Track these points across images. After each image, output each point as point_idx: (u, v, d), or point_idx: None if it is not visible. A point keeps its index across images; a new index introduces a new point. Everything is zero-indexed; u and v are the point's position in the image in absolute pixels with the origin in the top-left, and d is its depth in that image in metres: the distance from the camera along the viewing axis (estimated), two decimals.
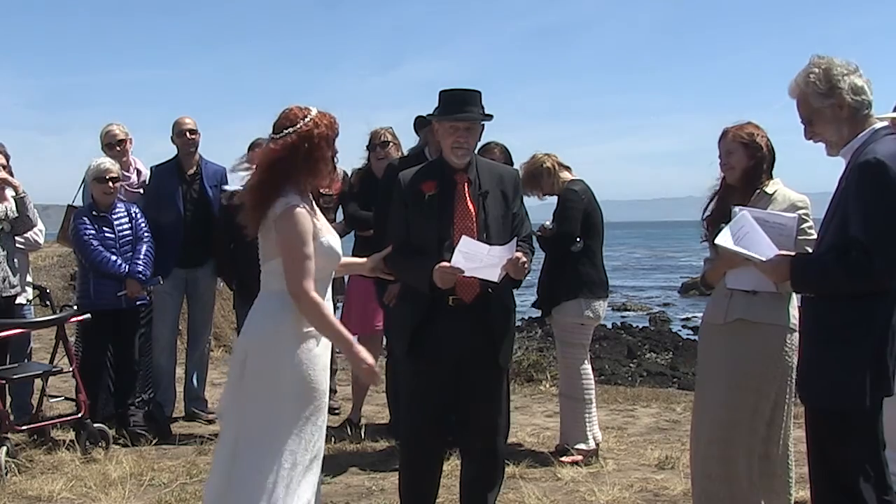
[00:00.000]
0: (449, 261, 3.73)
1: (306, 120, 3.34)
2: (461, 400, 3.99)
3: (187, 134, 6.49)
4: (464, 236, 3.79)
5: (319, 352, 3.41)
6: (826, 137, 3.14)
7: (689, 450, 4.10)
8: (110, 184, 5.99)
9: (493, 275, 3.76)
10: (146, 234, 6.12)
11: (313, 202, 3.52)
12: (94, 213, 6.02)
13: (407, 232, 3.93)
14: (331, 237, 3.48)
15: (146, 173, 6.65)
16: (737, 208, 3.59)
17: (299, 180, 3.36)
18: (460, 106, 3.91)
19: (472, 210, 3.89)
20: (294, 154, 3.31)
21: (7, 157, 5.98)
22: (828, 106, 3.08)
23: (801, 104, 3.16)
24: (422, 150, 5.79)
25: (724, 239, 3.43)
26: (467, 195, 3.91)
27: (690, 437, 4.09)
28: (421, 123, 5.82)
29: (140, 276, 5.97)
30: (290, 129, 3.33)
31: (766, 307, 3.71)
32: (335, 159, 3.49)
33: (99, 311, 5.92)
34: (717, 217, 3.87)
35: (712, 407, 3.83)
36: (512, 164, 5.72)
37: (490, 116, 3.98)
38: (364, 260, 4.05)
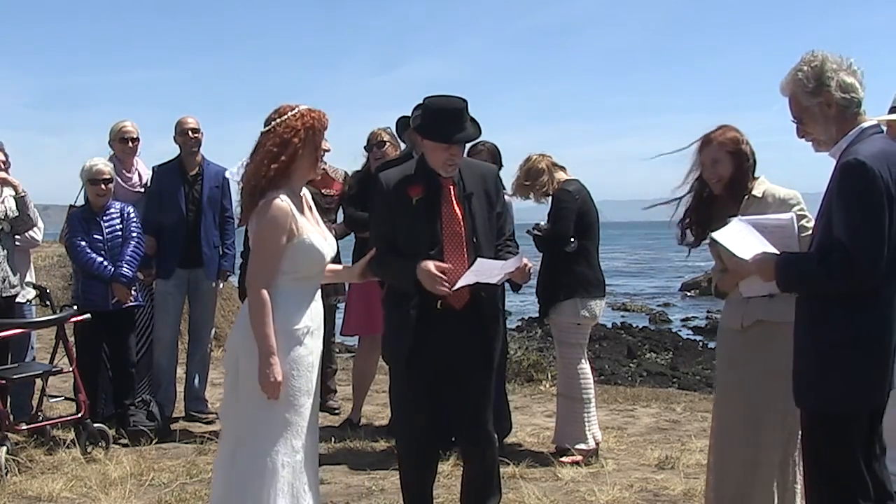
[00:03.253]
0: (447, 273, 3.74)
1: (291, 113, 3.41)
2: (452, 401, 4.00)
3: (189, 133, 6.48)
4: (479, 258, 3.80)
5: (303, 353, 3.43)
6: (815, 136, 3.13)
7: (710, 455, 4.02)
8: (103, 185, 6.01)
9: (493, 279, 3.77)
10: (133, 234, 6.08)
11: (305, 200, 3.53)
12: (85, 214, 6.04)
13: (392, 234, 3.88)
14: (316, 237, 3.47)
15: (147, 174, 6.64)
16: (733, 219, 3.57)
17: (288, 173, 3.40)
18: (453, 125, 3.81)
19: (459, 214, 3.87)
20: (281, 146, 3.37)
21: (6, 155, 5.99)
22: (816, 104, 3.07)
23: (791, 102, 3.14)
24: (410, 151, 5.75)
25: (723, 236, 3.41)
26: (454, 199, 3.88)
27: (712, 442, 4.01)
28: (404, 125, 5.77)
29: (123, 277, 5.96)
30: (278, 120, 3.40)
31: (784, 306, 3.67)
32: (322, 154, 3.55)
33: (90, 312, 5.92)
34: (702, 221, 3.84)
35: (742, 410, 3.77)
36: (499, 163, 5.70)
37: (479, 129, 3.93)
38: (352, 266, 4.02)
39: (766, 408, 3.73)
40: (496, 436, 4.10)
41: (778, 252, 3.22)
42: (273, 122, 3.41)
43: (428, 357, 3.86)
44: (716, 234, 3.43)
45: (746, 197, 3.78)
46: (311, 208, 3.57)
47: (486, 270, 3.76)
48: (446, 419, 4.11)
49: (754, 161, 3.86)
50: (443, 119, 3.82)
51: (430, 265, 3.71)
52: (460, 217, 3.86)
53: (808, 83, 3.06)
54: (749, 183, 3.82)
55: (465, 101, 3.89)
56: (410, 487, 4.08)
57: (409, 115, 5.70)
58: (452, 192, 3.88)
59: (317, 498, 3.54)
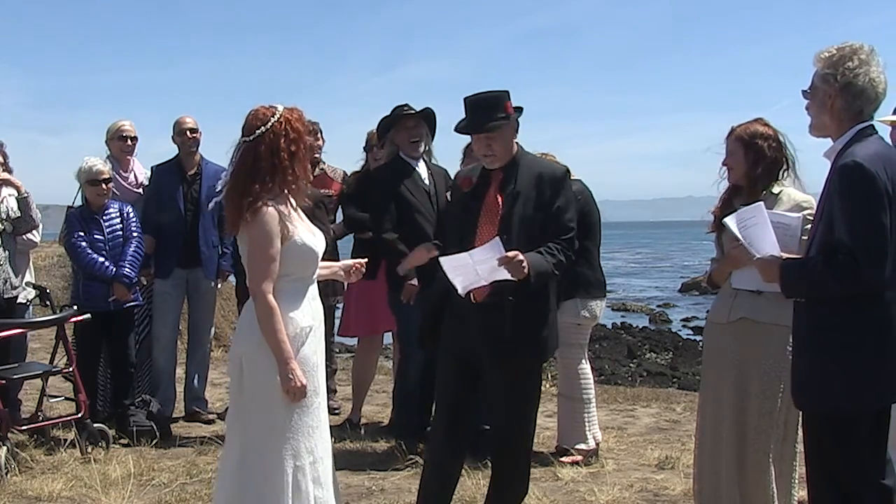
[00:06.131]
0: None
1: (275, 118, 3.37)
2: (485, 402, 4.03)
3: (188, 133, 6.48)
4: (441, 257, 3.72)
5: (308, 352, 3.42)
6: (811, 117, 3.14)
7: (694, 448, 4.09)
8: (103, 185, 6.00)
9: (503, 274, 3.60)
10: (134, 234, 6.08)
11: (292, 202, 3.49)
12: (84, 214, 6.03)
13: (443, 226, 4.03)
14: (308, 238, 3.45)
15: (145, 173, 6.65)
16: (743, 208, 3.59)
17: (278, 179, 3.37)
18: (482, 116, 3.81)
19: (499, 207, 3.84)
20: (270, 154, 3.34)
21: (5, 156, 5.98)
22: (822, 90, 3.06)
23: (813, 74, 3.12)
24: (397, 152, 5.75)
25: (732, 221, 3.42)
26: (496, 192, 3.87)
27: (696, 436, 4.08)
28: (385, 128, 5.77)
29: (125, 278, 5.96)
30: (263, 130, 3.35)
31: (770, 307, 3.71)
32: (309, 151, 3.50)
33: (90, 312, 5.91)
34: (721, 214, 3.88)
35: (719, 408, 3.83)
36: None
37: (505, 118, 3.81)
38: (339, 264, 3.98)
39: (748, 401, 3.76)
40: (522, 446, 3.97)
41: (781, 253, 3.23)
42: (258, 132, 3.35)
43: (449, 347, 3.90)
44: (728, 219, 3.46)
45: (764, 193, 3.81)
46: (294, 208, 3.52)
47: (464, 268, 3.64)
48: (480, 419, 4.13)
49: (775, 160, 3.84)
50: (472, 111, 3.86)
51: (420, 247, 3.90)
52: (499, 211, 3.85)
53: (825, 66, 3.04)
54: (769, 180, 3.82)
55: (499, 93, 3.86)
56: (426, 479, 4.02)
57: (389, 115, 5.71)
58: (496, 186, 3.88)
59: (336, 498, 3.53)
